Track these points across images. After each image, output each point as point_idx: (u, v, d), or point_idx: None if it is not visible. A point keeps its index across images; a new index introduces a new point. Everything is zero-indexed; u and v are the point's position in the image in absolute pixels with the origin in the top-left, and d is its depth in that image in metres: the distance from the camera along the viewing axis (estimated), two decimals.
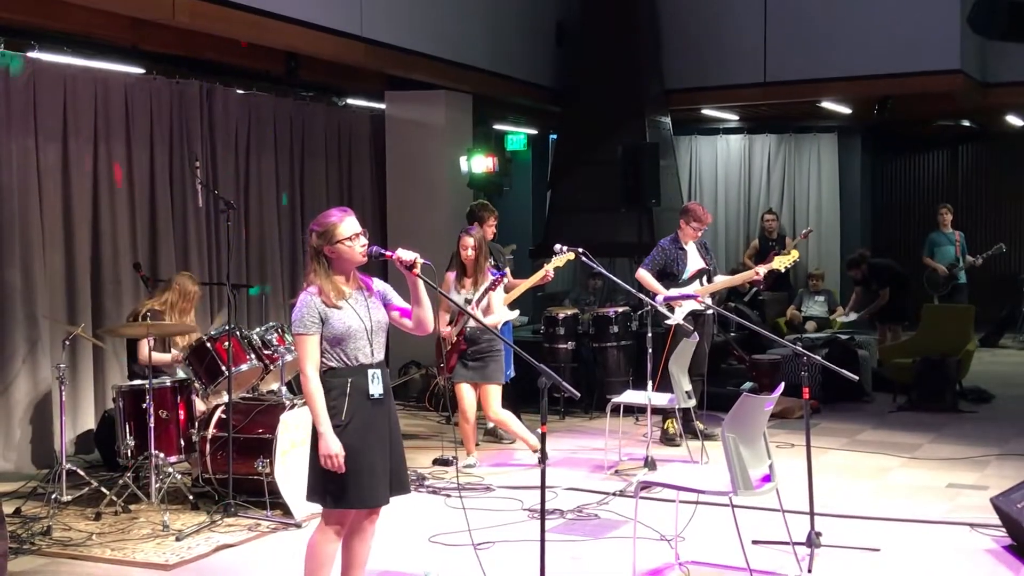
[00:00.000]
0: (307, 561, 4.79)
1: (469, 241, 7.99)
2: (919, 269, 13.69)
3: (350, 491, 4.64)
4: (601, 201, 11.94)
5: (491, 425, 9.15)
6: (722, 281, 9.08)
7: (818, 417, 9.93)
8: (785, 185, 16.62)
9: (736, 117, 15.99)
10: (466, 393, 8.07)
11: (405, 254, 4.66)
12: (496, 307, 7.91)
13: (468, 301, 7.83)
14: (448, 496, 7.25)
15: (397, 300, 4.91)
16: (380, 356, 4.80)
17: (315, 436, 4.65)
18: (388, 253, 4.73)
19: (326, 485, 4.65)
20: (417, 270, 4.67)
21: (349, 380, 4.67)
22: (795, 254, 8.76)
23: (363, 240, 4.75)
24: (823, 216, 16.35)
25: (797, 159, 16.65)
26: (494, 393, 8.05)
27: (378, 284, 4.90)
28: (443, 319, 8.02)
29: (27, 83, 8.13)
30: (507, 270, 9.31)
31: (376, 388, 4.73)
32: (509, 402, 8.72)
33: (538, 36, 12.66)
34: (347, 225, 4.72)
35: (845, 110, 14.42)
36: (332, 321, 4.64)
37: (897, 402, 10.71)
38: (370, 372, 4.72)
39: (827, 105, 13.93)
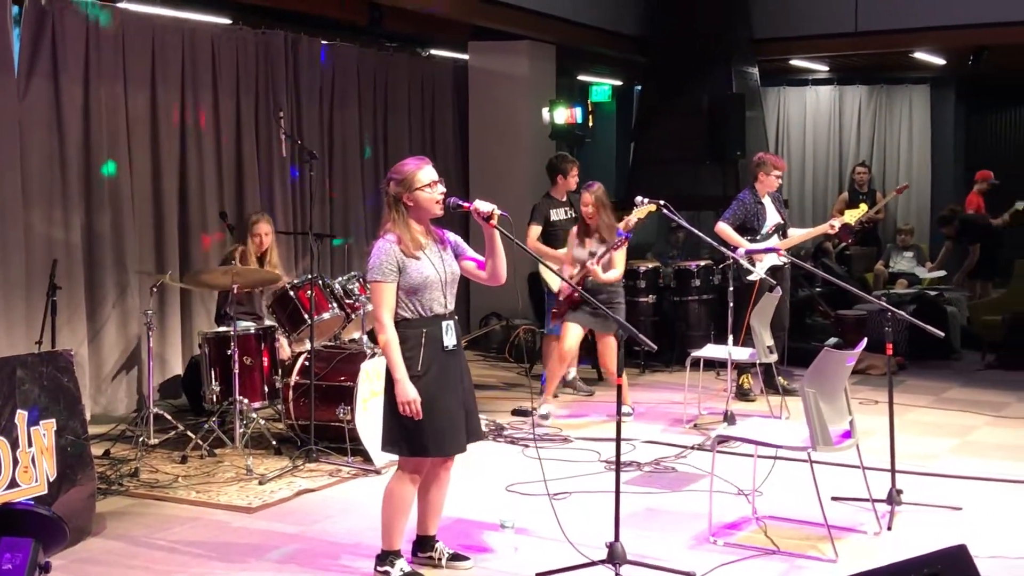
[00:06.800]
0: (384, 507, 4.87)
1: (588, 198, 7.90)
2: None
3: (428, 440, 4.70)
4: (685, 153, 11.80)
5: (570, 377, 9.15)
6: (798, 235, 8.93)
7: (904, 374, 9.78)
8: (876, 138, 16.26)
9: (826, 68, 15.65)
10: (572, 331, 7.93)
11: (483, 205, 4.67)
12: (618, 263, 7.82)
13: (592, 254, 7.77)
14: (526, 446, 7.29)
15: (470, 251, 4.95)
16: (452, 307, 4.83)
17: (389, 386, 4.70)
18: (466, 204, 4.74)
19: (403, 434, 4.70)
20: (494, 221, 4.67)
21: (424, 330, 4.71)
22: (863, 207, 8.73)
23: (441, 188, 4.77)
24: (914, 171, 15.94)
25: (888, 111, 16.26)
26: (614, 346, 7.91)
27: (451, 236, 4.94)
28: (567, 272, 7.96)
29: (116, 34, 8.25)
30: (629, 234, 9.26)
31: (450, 339, 4.78)
32: (590, 355, 8.69)
33: None
34: (425, 172, 4.75)
35: (939, 61, 14.02)
36: (409, 271, 4.67)
37: (985, 360, 10.49)
38: (444, 323, 4.77)
39: (920, 56, 13.55)
